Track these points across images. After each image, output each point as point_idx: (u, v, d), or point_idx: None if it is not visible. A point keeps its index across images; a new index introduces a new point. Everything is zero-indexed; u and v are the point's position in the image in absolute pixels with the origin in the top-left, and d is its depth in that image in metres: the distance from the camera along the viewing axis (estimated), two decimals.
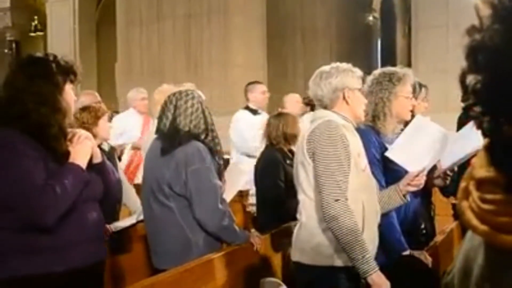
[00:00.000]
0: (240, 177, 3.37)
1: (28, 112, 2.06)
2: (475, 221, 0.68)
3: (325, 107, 2.53)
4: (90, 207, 2.24)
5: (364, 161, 2.49)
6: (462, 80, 0.67)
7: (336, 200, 2.29)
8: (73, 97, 2.21)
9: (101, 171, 2.29)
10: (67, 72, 2.17)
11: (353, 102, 2.52)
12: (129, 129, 5.67)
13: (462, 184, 0.72)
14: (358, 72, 2.59)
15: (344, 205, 2.30)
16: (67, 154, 2.13)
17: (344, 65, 2.58)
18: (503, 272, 0.68)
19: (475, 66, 0.66)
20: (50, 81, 2.11)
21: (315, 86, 2.55)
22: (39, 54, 2.28)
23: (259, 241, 3.04)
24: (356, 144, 2.46)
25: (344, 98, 2.50)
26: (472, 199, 0.69)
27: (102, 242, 2.35)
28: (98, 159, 2.28)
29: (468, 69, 0.66)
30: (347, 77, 2.52)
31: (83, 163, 2.14)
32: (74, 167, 2.11)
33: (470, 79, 0.66)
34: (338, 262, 2.37)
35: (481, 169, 0.69)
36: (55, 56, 2.19)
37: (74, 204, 2.11)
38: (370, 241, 2.40)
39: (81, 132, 2.20)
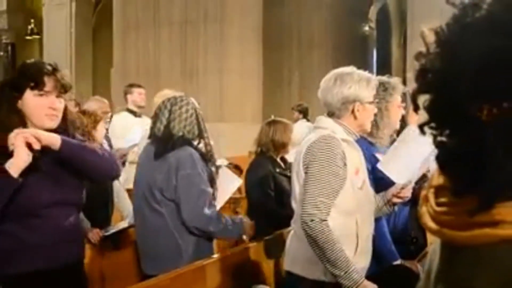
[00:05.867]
0: (233, 183, 3.36)
1: None
2: (429, 222, 0.76)
3: (332, 114, 2.45)
4: (60, 212, 2.23)
5: (362, 178, 2.41)
6: (413, 100, 0.76)
7: (311, 220, 2.23)
8: (41, 103, 2.17)
9: (67, 158, 2.18)
10: (27, 79, 2.17)
11: (361, 116, 2.42)
12: None
13: (423, 193, 0.80)
14: (375, 81, 2.47)
15: (320, 224, 2.22)
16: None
17: (362, 74, 2.43)
18: (452, 268, 0.75)
19: (423, 87, 0.75)
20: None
21: (326, 90, 2.43)
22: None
23: (251, 228, 3.02)
24: (355, 159, 2.39)
25: (353, 111, 2.41)
26: (429, 204, 0.77)
27: (71, 246, 2.31)
28: (55, 145, 2.12)
29: (417, 89, 0.75)
30: (361, 89, 2.39)
31: (15, 167, 2.07)
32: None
33: (421, 98, 0.75)
34: (329, 277, 2.31)
35: (438, 178, 0.78)
36: (23, 64, 2.23)
37: (35, 208, 2.12)
38: (363, 257, 2.39)
39: (12, 134, 2.12)
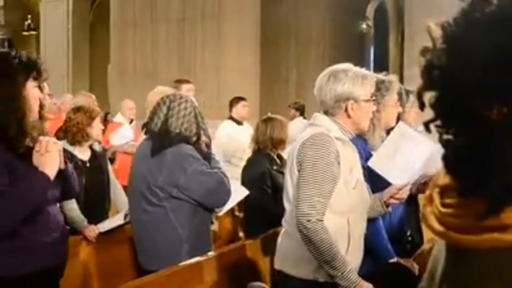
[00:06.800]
0: (239, 195, 3.36)
1: None
2: (435, 224, 0.74)
3: (326, 112, 2.39)
4: (53, 209, 2.25)
5: (356, 177, 2.36)
6: (419, 97, 0.74)
7: (308, 221, 2.19)
8: (38, 94, 2.15)
9: (63, 176, 2.26)
10: (29, 69, 2.12)
11: (356, 115, 2.35)
12: None
13: (427, 192, 0.78)
14: (371, 79, 2.39)
15: (316, 225, 2.19)
16: (30, 154, 2.10)
17: (358, 71, 2.36)
18: (458, 272, 0.73)
19: (429, 83, 0.72)
20: (7, 79, 2.06)
21: (320, 87, 2.37)
22: (1, 49, 2.25)
23: None
24: (349, 157, 2.35)
25: (346, 110, 2.34)
26: (435, 204, 0.75)
27: (62, 244, 2.31)
28: (62, 164, 2.22)
29: (423, 86, 0.73)
30: (355, 86, 2.32)
31: (51, 172, 2.10)
32: (41, 177, 2.08)
33: (426, 95, 0.73)
34: (321, 277, 2.29)
35: (443, 177, 0.75)
36: (16, 52, 2.15)
37: (39, 207, 2.11)
38: (356, 255, 2.37)
39: (47, 139, 2.14)
